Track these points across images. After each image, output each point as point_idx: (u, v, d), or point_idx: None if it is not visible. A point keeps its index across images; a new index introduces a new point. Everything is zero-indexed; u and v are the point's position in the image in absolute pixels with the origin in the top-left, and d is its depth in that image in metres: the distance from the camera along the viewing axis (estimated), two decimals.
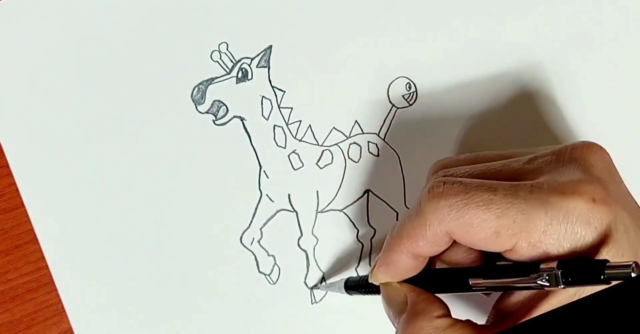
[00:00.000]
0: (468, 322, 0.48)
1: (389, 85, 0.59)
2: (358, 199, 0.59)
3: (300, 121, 0.58)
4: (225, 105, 0.58)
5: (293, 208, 0.59)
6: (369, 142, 0.59)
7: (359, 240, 0.59)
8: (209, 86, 0.57)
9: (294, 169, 0.59)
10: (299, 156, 0.58)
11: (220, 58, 0.58)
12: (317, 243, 0.59)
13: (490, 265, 0.50)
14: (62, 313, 0.57)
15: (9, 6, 0.56)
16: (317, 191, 0.59)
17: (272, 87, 0.58)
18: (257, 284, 0.59)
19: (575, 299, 0.43)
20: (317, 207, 0.59)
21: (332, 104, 0.59)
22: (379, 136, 0.59)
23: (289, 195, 0.59)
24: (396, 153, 0.60)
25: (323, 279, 0.59)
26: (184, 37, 0.58)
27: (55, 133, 0.56)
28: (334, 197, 0.59)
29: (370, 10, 0.59)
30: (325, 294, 0.59)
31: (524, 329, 0.46)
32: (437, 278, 0.50)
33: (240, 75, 0.58)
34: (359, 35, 0.59)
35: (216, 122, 0.58)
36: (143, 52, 0.57)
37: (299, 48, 0.59)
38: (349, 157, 0.59)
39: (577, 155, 0.47)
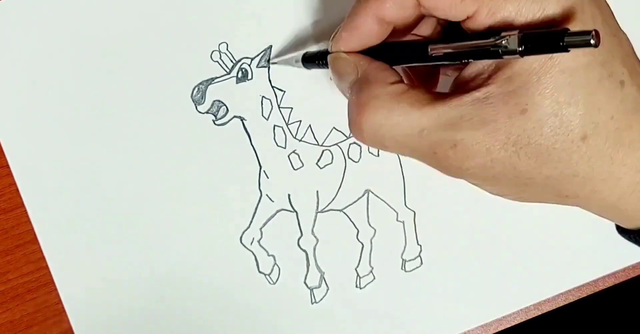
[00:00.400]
0: (423, 87, 0.46)
1: None
2: (358, 199, 0.59)
3: (300, 121, 0.58)
4: (225, 105, 0.58)
5: (293, 208, 0.59)
6: None
7: (359, 240, 0.59)
8: (209, 86, 0.58)
9: (294, 169, 0.59)
10: (299, 156, 0.58)
11: (220, 58, 0.58)
12: (317, 243, 0.59)
13: (451, 34, 0.48)
14: (62, 313, 0.57)
15: (9, 6, 0.56)
16: (317, 191, 0.59)
17: (272, 87, 0.58)
18: (257, 284, 0.59)
19: (533, 73, 0.41)
20: (317, 207, 0.59)
21: (332, 104, 0.59)
22: None
23: (289, 195, 0.59)
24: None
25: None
26: (184, 37, 0.58)
27: (55, 133, 0.56)
28: (334, 197, 0.59)
29: None
30: (326, 294, 0.59)
31: (525, 328, 0.46)
32: (394, 49, 0.48)
33: (240, 75, 0.58)
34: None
35: (216, 122, 0.58)
36: (143, 52, 0.57)
37: (299, 48, 0.59)
38: (349, 157, 0.59)
39: None
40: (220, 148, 0.58)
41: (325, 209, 0.59)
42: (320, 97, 0.59)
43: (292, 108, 0.58)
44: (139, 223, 0.57)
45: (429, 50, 0.44)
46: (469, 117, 0.42)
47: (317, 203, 0.59)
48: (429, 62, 0.45)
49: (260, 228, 0.58)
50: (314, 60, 0.53)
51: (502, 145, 0.42)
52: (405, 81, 0.46)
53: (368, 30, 0.46)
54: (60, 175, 0.57)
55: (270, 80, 0.58)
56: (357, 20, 0.46)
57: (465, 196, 0.60)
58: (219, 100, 0.57)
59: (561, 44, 0.38)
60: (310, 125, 0.58)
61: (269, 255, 0.58)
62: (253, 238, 0.58)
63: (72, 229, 0.57)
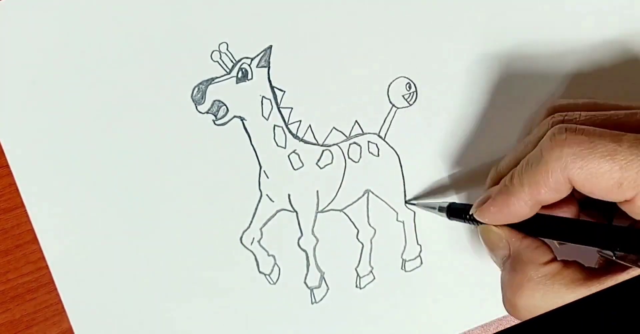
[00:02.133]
0: (576, 265, 0.48)
1: (389, 85, 0.59)
2: (358, 199, 0.59)
3: (300, 121, 0.58)
4: (225, 105, 0.58)
5: (293, 208, 0.59)
6: (369, 142, 0.59)
7: (359, 240, 0.59)
8: (209, 86, 0.57)
9: (294, 169, 0.59)
10: (299, 156, 0.58)
11: (220, 58, 0.58)
12: (317, 243, 0.59)
13: (605, 224, 0.50)
14: (62, 313, 0.57)
15: (9, 6, 0.56)
16: (317, 191, 0.59)
17: (272, 87, 0.58)
18: (257, 285, 0.59)
19: None
20: (317, 207, 0.59)
21: (332, 104, 0.59)
22: (379, 136, 0.59)
23: (289, 195, 0.58)
24: (396, 153, 0.59)
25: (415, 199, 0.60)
26: (184, 37, 0.58)
27: (55, 133, 0.56)
28: (334, 197, 0.59)
29: (370, 10, 0.59)
30: (326, 294, 0.59)
31: (525, 328, 0.46)
32: (547, 223, 0.50)
33: (240, 75, 0.58)
34: (358, 34, 0.59)
35: (216, 122, 0.58)
36: (143, 52, 0.57)
37: (299, 48, 0.59)
38: (349, 157, 0.59)
39: None
40: (220, 148, 0.58)
41: (326, 209, 0.59)
42: (320, 97, 0.58)
43: (292, 108, 0.58)
44: (138, 223, 0.57)
45: (614, 255, 0.47)
46: None
47: (317, 203, 0.59)
48: (581, 243, 0.48)
49: (260, 228, 0.58)
50: (460, 215, 0.54)
51: None
52: (557, 257, 0.48)
53: (520, 210, 0.48)
54: (60, 175, 0.57)
55: (270, 80, 0.58)
56: (509, 201, 0.48)
57: (465, 196, 0.60)
58: (219, 100, 0.57)
59: None
60: (310, 125, 0.58)
61: (269, 255, 0.58)
62: (253, 238, 0.58)
63: (72, 229, 0.57)
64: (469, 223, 0.53)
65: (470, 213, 0.52)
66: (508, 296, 0.49)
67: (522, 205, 0.48)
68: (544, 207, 0.49)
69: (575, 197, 0.50)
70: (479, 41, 0.60)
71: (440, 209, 0.56)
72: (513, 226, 0.50)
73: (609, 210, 0.49)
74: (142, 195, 0.57)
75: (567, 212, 0.51)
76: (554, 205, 0.49)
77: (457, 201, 0.57)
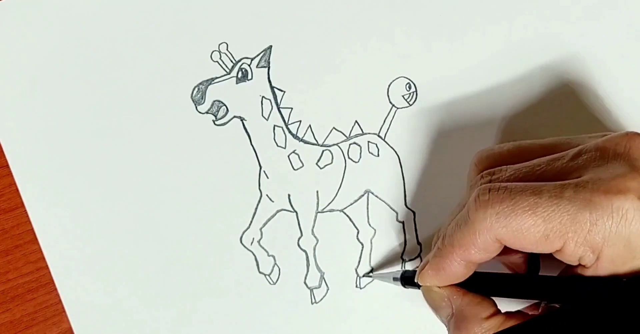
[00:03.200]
0: (519, 315, 0.49)
1: (389, 85, 0.59)
2: (358, 199, 0.59)
3: (300, 121, 0.58)
4: (225, 105, 0.58)
5: (293, 208, 0.59)
6: (369, 142, 0.59)
7: (359, 240, 0.59)
8: (209, 86, 0.58)
9: (294, 169, 0.59)
10: (299, 156, 0.58)
11: (220, 58, 0.58)
12: (317, 243, 0.59)
13: (537, 276, 0.52)
14: (62, 313, 0.57)
15: (9, 6, 0.56)
16: (317, 192, 0.59)
17: (272, 87, 0.58)
18: (257, 285, 0.59)
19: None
20: (317, 207, 0.59)
21: (332, 104, 0.59)
22: (379, 136, 0.59)
23: (289, 195, 0.59)
24: (396, 153, 0.60)
25: (372, 270, 0.60)
26: (184, 37, 0.58)
27: (55, 133, 0.57)
28: (334, 197, 0.59)
29: (370, 10, 0.59)
30: (326, 294, 0.59)
31: (526, 328, 0.46)
32: (486, 281, 0.51)
33: (240, 75, 0.58)
34: (358, 35, 0.60)
35: (216, 122, 0.58)
36: (143, 52, 0.58)
37: (299, 48, 0.59)
38: (349, 157, 0.59)
39: (621, 150, 0.47)
40: (220, 149, 0.58)
41: (325, 209, 0.59)
42: (320, 97, 0.59)
43: (292, 108, 0.58)
44: (138, 223, 0.57)
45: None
46: None
47: (317, 203, 0.59)
48: (522, 298, 0.49)
49: (260, 228, 0.58)
50: (412, 282, 0.54)
51: None
52: (499, 310, 0.49)
53: (455, 271, 0.49)
54: (60, 175, 0.57)
55: (270, 80, 0.58)
56: (442, 263, 0.49)
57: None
58: (219, 100, 0.58)
59: None
60: (310, 125, 0.58)
61: (269, 255, 0.58)
62: (253, 238, 0.58)
63: (72, 229, 0.57)
64: (419, 287, 0.54)
65: (415, 280, 0.53)
66: None
67: (456, 265, 0.49)
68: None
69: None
70: (478, 42, 0.60)
71: (395, 279, 0.57)
72: (455, 285, 0.51)
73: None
74: (142, 196, 0.57)
75: (515, 257, 0.52)
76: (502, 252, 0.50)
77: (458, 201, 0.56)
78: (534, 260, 0.53)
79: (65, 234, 0.57)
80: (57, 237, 0.57)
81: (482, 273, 0.51)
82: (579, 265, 0.46)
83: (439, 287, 0.51)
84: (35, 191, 0.57)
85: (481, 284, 0.51)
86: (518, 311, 0.50)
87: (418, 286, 0.53)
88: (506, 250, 0.49)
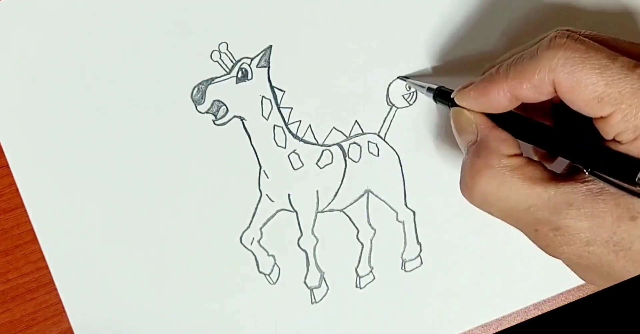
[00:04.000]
0: (539, 165, 0.48)
1: (389, 85, 0.59)
2: (358, 199, 0.59)
3: (300, 121, 0.59)
4: (225, 105, 0.58)
5: (293, 207, 0.59)
6: (369, 141, 0.59)
7: (359, 240, 0.60)
8: (209, 86, 0.58)
9: (294, 169, 0.59)
10: (299, 156, 0.58)
11: (220, 58, 0.58)
12: (317, 243, 0.59)
13: (570, 134, 0.49)
14: (62, 313, 0.58)
15: (9, 6, 0.56)
16: (317, 191, 0.59)
17: (272, 86, 0.58)
18: (257, 284, 0.59)
19: None
20: (317, 207, 0.59)
21: (332, 104, 0.59)
22: (379, 136, 0.59)
23: (289, 195, 0.59)
24: (396, 153, 0.60)
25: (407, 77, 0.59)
26: (184, 37, 0.58)
27: (55, 133, 0.57)
28: (334, 197, 0.59)
29: (370, 10, 0.60)
30: (326, 294, 0.59)
31: (525, 328, 0.46)
32: (519, 124, 0.49)
33: (240, 75, 0.58)
34: (358, 35, 0.60)
35: (216, 122, 0.58)
36: (143, 51, 0.58)
37: (299, 48, 0.59)
38: (349, 157, 0.59)
39: None
40: (220, 148, 0.58)
41: (325, 209, 0.59)
42: (320, 97, 0.59)
43: (292, 108, 0.58)
44: (138, 223, 0.57)
45: (586, 172, 0.46)
46: (578, 206, 0.45)
47: (317, 203, 0.59)
48: (550, 151, 0.48)
49: (260, 228, 0.58)
50: (445, 97, 0.53)
51: (604, 242, 0.44)
52: (522, 154, 0.48)
53: (497, 100, 0.48)
54: (60, 175, 0.57)
55: (270, 80, 0.58)
56: (489, 88, 0.48)
57: None
58: (218, 100, 0.58)
59: None
60: (310, 125, 0.58)
61: (269, 255, 0.58)
62: (253, 238, 0.58)
63: (72, 229, 0.57)
64: (450, 106, 0.53)
65: (452, 96, 0.51)
66: (466, 180, 0.49)
67: (502, 95, 0.48)
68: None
69: (551, 114, 0.51)
70: (476, 39, 0.60)
71: (429, 90, 0.56)
72: (487, 115, 0.50)
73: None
74: (141, 196, 0.57)
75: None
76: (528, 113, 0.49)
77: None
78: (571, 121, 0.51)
79: (65, 234, 0.57)
80: (57, 237, 0.57)
81: (517, 114, 0.50)
82: (613, 139, 0.45)
83: (471, 112, 0.50)
84: (35, 191, 0.57)
85: (513, 124, 0.49)
86: (539, 162, 0.49)
87: (450, 105, 0.52)
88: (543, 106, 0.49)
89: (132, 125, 0.57)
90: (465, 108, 0.50)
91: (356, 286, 0.60)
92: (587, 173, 0.45)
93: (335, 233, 0.59)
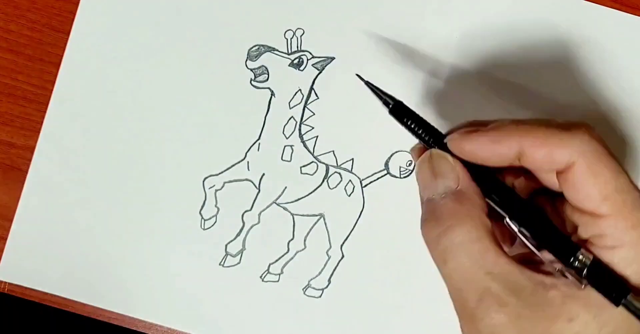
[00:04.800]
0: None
1: (395, 152, 0.62)
2: (310, 215, 0.63)
3: (313, 128, 0.61)
4: (268, 74, 0.60)
5: (259, 186, 0.62)
6: (350, 180, 0.62)
7: (287, 245, 0.64)
8: (267, 52, 0.61)
9: (282, 159, 0.62)
10: (292, 152, 0.62)
11: (291, 38, 0.60)
12: (256, 224, 0.63)
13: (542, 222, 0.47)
14: (37, 132, 0.63)
15: None
16: (286, 187, 0.62)
17: (312, 88, 0.61)
18: (190, 223, 0.63)
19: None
20: (277, 199, 0.62)
21: (347, 133, 0.62)
22: (360, 182, 0.63)
23: (263, 174, 0.62)
24: (363, 203, 0.63)
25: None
26: (273, 9, 0.62)
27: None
28: (294, 201, 0.62)
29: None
30: (233, 265, 0.63)
31: None
32: (501, 189, 0.47)
33: (296, 61, 0.60)
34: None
35: (252, 82, 0.61)
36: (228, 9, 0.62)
37: (350, 75, 0.61)
38: (327, 181, 0.62)
39: None
40: (240, 104, 0.62)
41: (281, 204, 0.62)
42: (341, 119, 0.62)
43: (314, 113, 0.61)
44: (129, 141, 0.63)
45: (513, 226, 0.46)
46: (527, 292, 0.44)
47: (280, 195, 0.62)
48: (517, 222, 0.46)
49: (225, 182, 0.63)
50: (405, 117, 0.50)
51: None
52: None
53: (502, 154, 0.46)
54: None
55: (313, 82, 0.61)
56: (503, 140, 0.45)
57: None
58: (266, 67, 0.60)
59: (618, 301, 0.42)
60: (317, 137, 0.61)
61: (215, 206, 0.63)
62: (214, 185, 0.62)
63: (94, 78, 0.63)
64: (430, 146, 0.49)
65: (446, 139, 0.48)
66: (441, 221, 0.45)
67: (512, 151, 0.45)
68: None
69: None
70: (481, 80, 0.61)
71: (386, 104, 0.50)
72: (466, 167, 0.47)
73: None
74: (146, 111, 0.63)
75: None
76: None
77: None
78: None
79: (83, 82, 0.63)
80: (73, 80, 0.63)
81: (496, 176, 0.48)
82: (587, 240, 0.45)
83: (455, 161, 0.47)
84: (83, 38, 0.63)
85: (488, 184, 0.47)
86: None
87: (430, 145, 0.49)
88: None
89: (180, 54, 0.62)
90: (450, 153, 0.47)
91: (261, 278, 0.63)
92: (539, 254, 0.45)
93: (274, 227, 0.63)
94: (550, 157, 0.44)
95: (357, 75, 0.52)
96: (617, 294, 0.42)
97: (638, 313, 0.42)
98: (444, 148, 0.48)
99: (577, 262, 0.43)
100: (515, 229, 0.46)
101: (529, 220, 0.46)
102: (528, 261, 0.46)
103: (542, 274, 0.45)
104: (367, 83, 0.51)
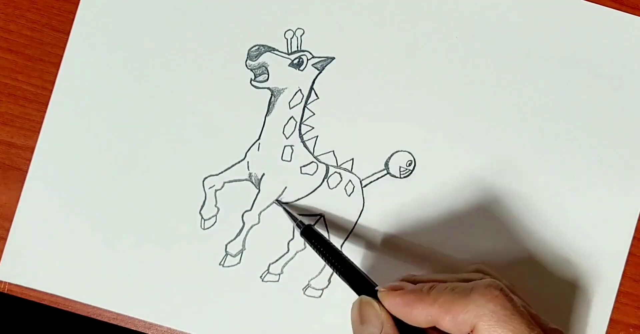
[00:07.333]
0: None
1: (396, 152, 0.62)
2: (310, 215, 0.62)
3: (313, 128, 0.61)
4: (268, 74, 0.60)
5: (259, 186, 0.62)
6: (350, 180, 0.62)
7: (287, 245, 0.63)
8: (267, 52, 0.61)
9: (282, 159, 0.62)
10: (292, 152, 0.62)
11: (291, 38, 0.60)
12: (256, 224, 0.63)
13: None
14: (37, 132, 0.62)
15: None
16: (285, 187, 0.62)
17: (312, 88, 0.61)
18: (191, 221, 0.63)
19: None
20: (277, 198, 0.62)
21: (346, 133, 0.62)
22: (360, 181, 0.62)
23: (263, 174, 0.62)
24: (363, 202, 0.62)
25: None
26: (274, 9, 0.61)
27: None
28: (295, 200, 0.62)
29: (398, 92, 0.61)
30: (234, 265, 0.63)
31: None
32: None
33: (296, 61, 0.60)
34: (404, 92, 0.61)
35: (252, 82, 0.61)
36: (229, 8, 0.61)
37: (350, 74, 0.61)
38: (327, 181, 0.62)
39: None
40: (240, 104, 0.62)
41: (283, 201, 0.62)
42: (342, 119, 0.62)
43: (314, 114, 0.61)
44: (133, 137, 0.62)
45: None
46: None
47: (280, 195, 0.62)
48: None
49: (225, 182, 0.62)
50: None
51: None
52: None
53: (418, 317, 0.50)
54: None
55: (313, 82, 0.61)
56: (416, 305, 0.50)
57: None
58: (266, 67, 0.60)
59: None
60: (317, 137, 0.61)
61: (215, 206, 0.62)
62: (214, 185, 0.62)
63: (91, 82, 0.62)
64: (322, 257, 0.56)
65: (379, 294, 0.52)
66: None
67: (424, 315, 0.49)
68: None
69: None
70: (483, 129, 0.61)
71: (299, 225, 0.59)
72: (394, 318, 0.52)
73: None
74: (149, 110, 0.62)
75: None
76: None
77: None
78: None
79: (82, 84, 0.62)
80: (76, 79, 0.62)
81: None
82: None
83: (380, 308, 0.52)
84: (84, 36, 0.62)
85: None
86: None
87: (365, 293, 0.54)
88: None
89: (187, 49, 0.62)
90: (378, 303, 0.52)
91: (261, 278, 0.63)
92: None
93: (274, 227, 0.63)
94: (454, 322, 0.48)
95: (277, 201, 0.61)
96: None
97: None
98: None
99: None
100: None
101: None
102: None
103: None
104: (285, 208, 0.60)
